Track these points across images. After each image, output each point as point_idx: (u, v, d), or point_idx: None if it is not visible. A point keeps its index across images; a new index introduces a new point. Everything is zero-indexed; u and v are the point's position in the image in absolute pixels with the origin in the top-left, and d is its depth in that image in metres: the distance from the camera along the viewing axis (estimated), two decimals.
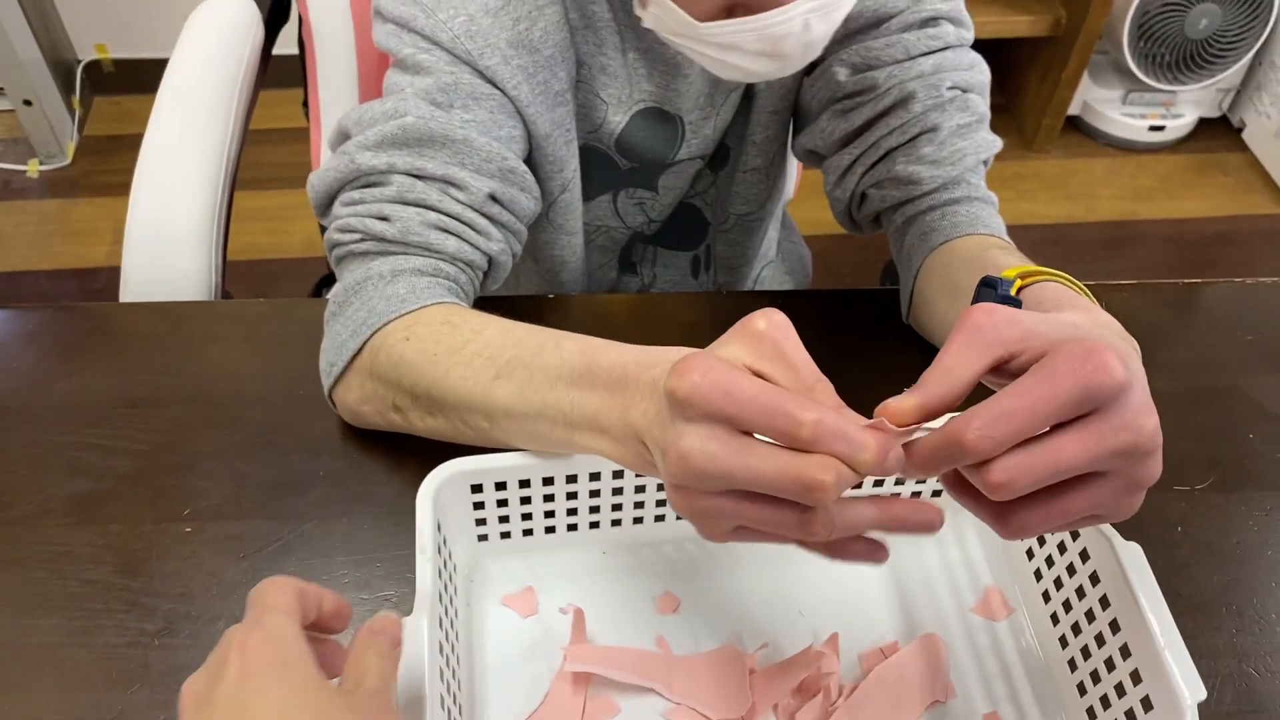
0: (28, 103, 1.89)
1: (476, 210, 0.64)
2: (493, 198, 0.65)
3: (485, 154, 0.64)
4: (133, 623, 0.58)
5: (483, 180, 0.64)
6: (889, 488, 0.61)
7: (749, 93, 0.77)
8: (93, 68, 2.07)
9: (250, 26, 0.94)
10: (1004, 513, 0.43)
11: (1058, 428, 0.41)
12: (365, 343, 0.61)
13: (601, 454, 0.50)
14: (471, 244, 0.65)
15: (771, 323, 0.43)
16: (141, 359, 0.71)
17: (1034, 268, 0.55)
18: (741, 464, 0.41)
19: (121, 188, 1.94)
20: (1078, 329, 0.45)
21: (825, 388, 0.42)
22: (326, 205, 0.66)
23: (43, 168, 1.99)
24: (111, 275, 1.85)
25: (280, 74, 1.00)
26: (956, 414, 0.41)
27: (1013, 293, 0.52)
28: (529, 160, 0.71)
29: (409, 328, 0.60)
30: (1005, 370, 0.43)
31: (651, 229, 0.87)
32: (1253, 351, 0.75)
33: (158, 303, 0.77)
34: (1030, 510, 0.42)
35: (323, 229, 0.68)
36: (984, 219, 0.69)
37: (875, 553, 0.46)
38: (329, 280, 1.04)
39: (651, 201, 0.83)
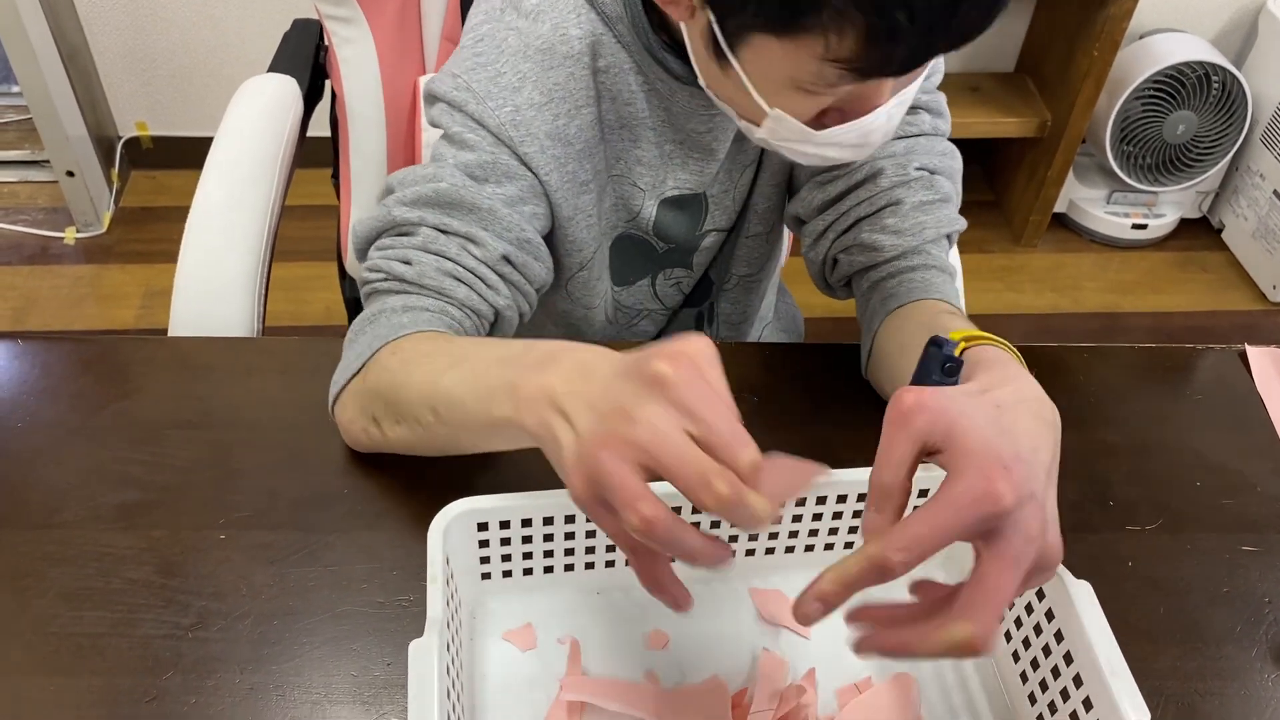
0: (70, 174, 1.97)
1: (490, 267, 0.70)
2: (506, 259, 0.71)
3: (506, 223, 0.71)
4: (169, 617, 0.63)
5: (500, 242, 0.70)
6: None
7: (758, 167, 0.85)
8: (132, 144, 2.16)
9: (292, 100, 1.02)
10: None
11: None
12: (365, 363, 0.67)
13: (503, 418, 0.54)
14: (480, 295, 0.70)
15: (699, 350, 0.48)
16: (187, 386, 0.76)
17: (977, 332, 0.61)
18: (678, 444, 0.45)
19: (152, 255, 2.05)
20: (999, 412, 0.50)
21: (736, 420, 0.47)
22: (365, 249, 0.73)
23: (79, 235, 2.05)
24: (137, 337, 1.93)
25: (305, 155, 1.06)
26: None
27: (956, 354, 0.58)
28: (551, 237, 0.78)
29: (400, 346, 0.66)
30: (928, 455, 0.49)
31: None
32: (1200, 410, 0.81)
33: (204, 337, 0.82)
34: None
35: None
36: (938, 286, 0.75)
37: (681, 602, 0.52)
38: None
39: (687, 280, 0.90)
